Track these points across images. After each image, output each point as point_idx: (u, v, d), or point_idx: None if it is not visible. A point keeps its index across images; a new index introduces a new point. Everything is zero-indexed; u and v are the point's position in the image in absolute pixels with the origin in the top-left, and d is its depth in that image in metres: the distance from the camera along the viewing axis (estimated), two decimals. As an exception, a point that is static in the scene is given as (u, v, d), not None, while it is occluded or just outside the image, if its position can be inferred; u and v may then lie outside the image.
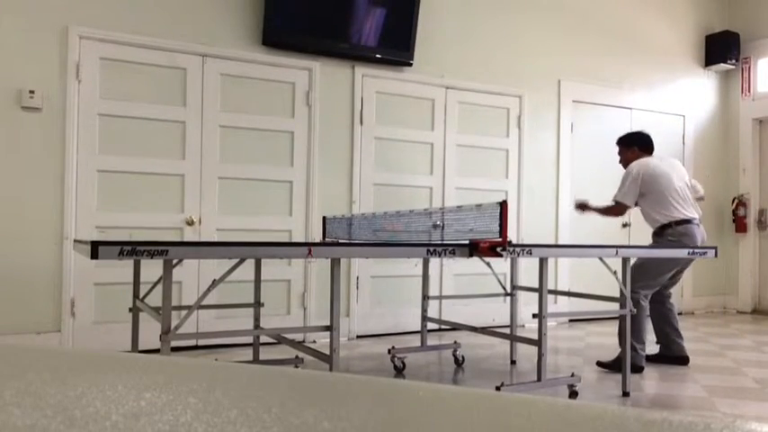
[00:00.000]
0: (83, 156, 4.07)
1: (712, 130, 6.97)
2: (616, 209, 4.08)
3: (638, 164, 4.04)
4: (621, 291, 3.34)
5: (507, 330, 4.02)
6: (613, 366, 3.83)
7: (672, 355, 4.07)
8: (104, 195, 4.13)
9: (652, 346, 4.09)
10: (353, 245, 2.77)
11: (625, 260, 3.35)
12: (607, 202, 4.21)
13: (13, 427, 0.35)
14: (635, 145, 4.18)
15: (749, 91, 6.83)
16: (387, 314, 5.06)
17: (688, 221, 3.92)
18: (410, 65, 5.08)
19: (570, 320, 5.82)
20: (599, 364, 3.98)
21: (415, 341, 4.62)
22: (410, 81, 5.17)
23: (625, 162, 4.20)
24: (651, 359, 4.07)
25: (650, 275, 3.86)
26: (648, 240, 4.17)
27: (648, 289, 3.91)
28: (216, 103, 4.47)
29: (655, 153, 4.19)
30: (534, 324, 3.13)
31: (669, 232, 3.92)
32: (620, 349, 3.78)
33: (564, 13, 5.95)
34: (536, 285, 3.30)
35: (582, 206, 4.22)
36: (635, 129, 6.29)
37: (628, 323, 3.33)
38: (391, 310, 5.07)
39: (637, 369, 3.77)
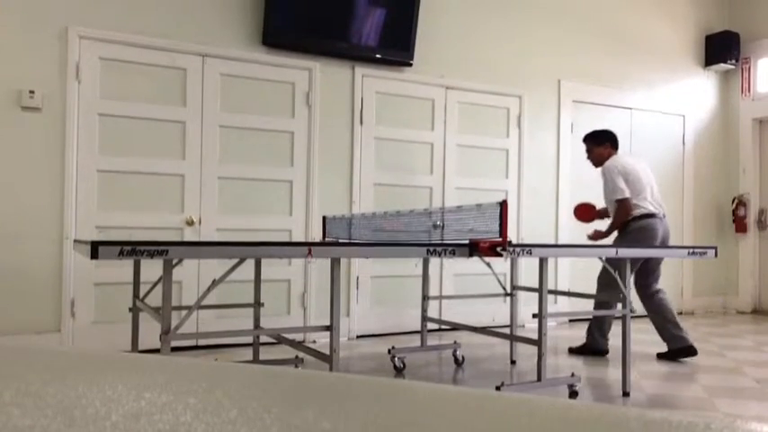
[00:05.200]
0: (83, 156, 4.07)
1: (712, 130, 6.97)
2: (623, 208, 4.07)
3: (615, 160, 4.19)
4: (621, 290, 3.34)
5: (507, 330, 4.02)
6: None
7: (676, 350, 4.10)
8: (104, 195, 4.13)
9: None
10: (353, 245, 2.77)
11: (624, 260, 3.35)
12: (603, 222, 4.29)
13: (13, 427, 0.35)
14: (608, 141, 4.30)
15: (749, 91, 6.83)
16: (387, 314, 5.05)
17: (652, 215, 4.09)
18: (410, 65, 5.08)
19: (570, 320, 5.82)
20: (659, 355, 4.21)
21: (415, 341, 4.62)
22: (410, 81, 5.17)
23: (596, 158, 4.32)
24: (660, 357, 4.19)
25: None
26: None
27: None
28: (216, 103, 4.47)
29: (621, 151, 4.40)
30: (534, 324, 3.14)
31: (632, 226, 4.07)
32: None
33: (564, 13, 5.95)
34: (536, 285, 3.31)
35: (596, 236, 4.20)
36: (635, 129, 6.35)
37: (628, 322, 3.33)
38: (391, 310, 5.07)
39: (601, 353, 4.20)
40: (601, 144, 4.30)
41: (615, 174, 4.08)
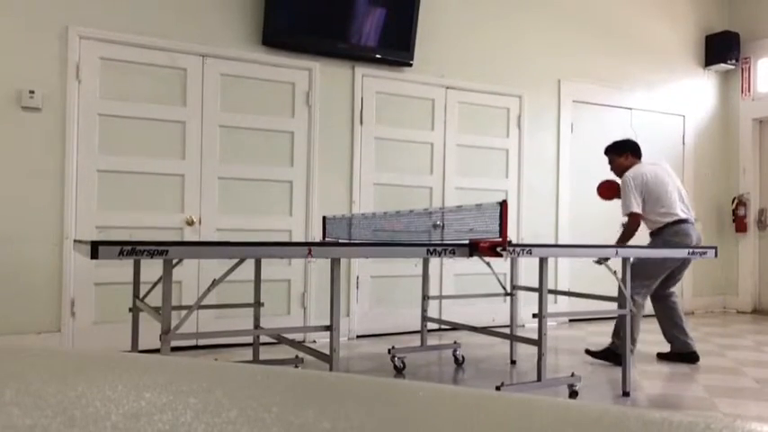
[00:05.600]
0: (83, 156, 4.07)
1: (712, 130, 6.97)
2: (632, 222, 4.00)
3: (634, 171, 4.09)
4: (621, 290, 3.34)
5: (507, 330, 4.02)
6: (600, 356, 4.05)
7: (677, 353, 4.09)
8: (104, 195, 4.13)
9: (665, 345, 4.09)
10: (353, 245, 2.77)
11: (625, 260, 3.35)
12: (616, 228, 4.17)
13: (13, 427, 0.35)
14: (627, 151, 4.22)
15: (749, 91, 6.83)
16: (387, 314, 5.05)
17: (684, 221, 4.02)
18: (410, 65, 5.08)
19: (570, 320, 5.82)
20: (587, 352, 4.16)
21: (415, 341, 4.62)
22: (410, 81, 5.17)
23: (618, 168, 4.23)
24: (661, 357, 4.18)
25: (646, 275, 3.90)
26: (647, 240, 4.18)
27: (645, 289, 3.95)
28: (216, 103, 4.47)
29: (644, 158, 4.28)
30: (534, 324, 3.14)
31: (667, 232, 4.01)
32: (610, 341, 4.05)
33: (564, 13, 5.95)
34: (536, 285, 3.31)
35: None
36: (635, 129, 6.34)
37: (628, 323, 3.33)
38: (391, 310, 5.07)
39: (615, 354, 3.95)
40: (621, 154, 4.21)
41: (631, 186, 4.01)
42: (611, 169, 4.29)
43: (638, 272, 3.87)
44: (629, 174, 4.09)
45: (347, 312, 4.89)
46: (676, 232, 3.98)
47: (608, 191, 4.40)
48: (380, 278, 5.05)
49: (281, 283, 4.67)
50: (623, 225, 4.22)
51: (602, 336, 5.07)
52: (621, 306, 3.39)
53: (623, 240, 4.04)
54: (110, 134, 4.16)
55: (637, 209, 3.99)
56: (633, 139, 4.39)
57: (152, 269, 3.89)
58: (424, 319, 4.03)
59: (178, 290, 4.28)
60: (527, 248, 2.88)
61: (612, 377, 3.67)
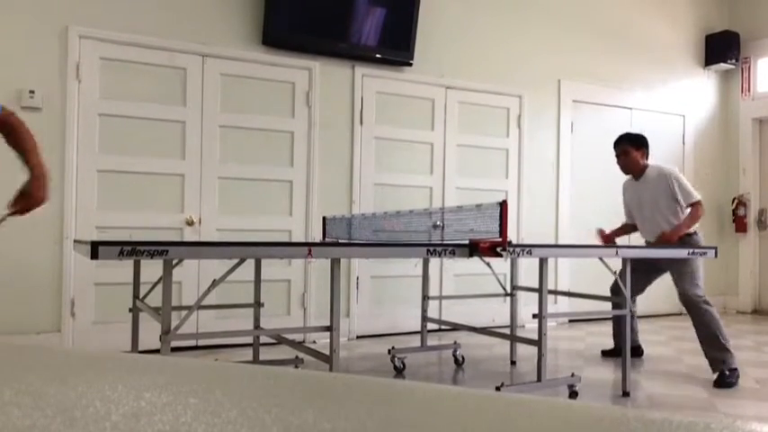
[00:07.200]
0: (83, 156, 4.07)
1: (712, 130, 6.97)
2: (699, 210, 3.80)
3: (672, 168, 3.97)
4: (621, 291, 3.34)
5: (507, 331, 4.02)
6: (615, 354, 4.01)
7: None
8: (104, 195, 4.13)
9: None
10: (353, 245, 2.77)
11: (625, 260, 3.35)
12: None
13: (13, 427, 0.35)
14: (645, 147, 3.95)
15: (749, 91, 6.83)
16: (387, 314, 5.05)
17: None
18: (410, 65, 5.08)
19: (570, 321, 5.81)
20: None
21: (415, 341, 4.61)
22: (410, 81, 5.17)
23: (630, 163, 3.93)
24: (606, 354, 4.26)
25: (699, 275, 3.78)
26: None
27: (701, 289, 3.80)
28: (216, 103, 4.47)
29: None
30: (534, 324, 3.14)
31: (693, 240, 3.85)
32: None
33: (564, 12, 5.95)
34: (536, 285, 3.31)
35: (669, 237, 3.82)
36: (635, 129, 6.32)
37: (627, 323, 3.33)
38: (391, 310, 5.07)
39: (732, 371, 3.55)
40: (639, 149, 3.91)
41: (683, 178, 3.86)
42: (619, 162, 3.97)
43: (693, 275, 3.73)
44: (674, 169, 3.91)
45: (347, 312, 4.89)
46: (699, 240, 3.89)
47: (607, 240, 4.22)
48: (380, 278, 5.05)
49: (281, 284, 4.67)
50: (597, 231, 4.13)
51: (601, 336, 5.07)
52: (620, 306, 3.39)
53: (686, 227, 3.76)
54: (110, 134, 4.16)
55: (699, 197, 3.82)
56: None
57: (152, 269, 3.88)
58: (424, 319, 4.03)
59: (178, 290, 4.28)
60: (527, 248, 2.88)
61: (612, 377, 3.67)
